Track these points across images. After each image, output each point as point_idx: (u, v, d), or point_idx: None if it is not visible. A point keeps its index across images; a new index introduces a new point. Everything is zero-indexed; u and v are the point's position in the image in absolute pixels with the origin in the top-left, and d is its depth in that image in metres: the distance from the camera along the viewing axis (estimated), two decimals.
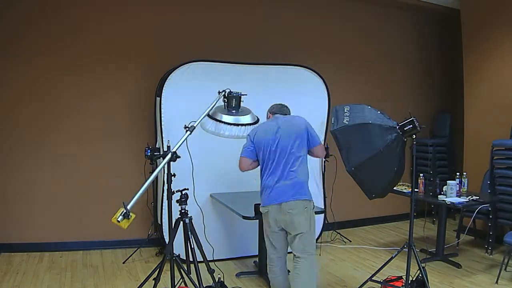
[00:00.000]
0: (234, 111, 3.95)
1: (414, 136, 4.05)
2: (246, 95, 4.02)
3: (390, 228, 7.42)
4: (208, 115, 3.83)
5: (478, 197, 5.39)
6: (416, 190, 5.37)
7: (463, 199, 5.28)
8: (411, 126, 3.95)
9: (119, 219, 2.93)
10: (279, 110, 4.27)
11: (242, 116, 3.96)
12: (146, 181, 3.22)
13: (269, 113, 4.31)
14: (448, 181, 5.39)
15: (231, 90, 3.95)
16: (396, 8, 7.72)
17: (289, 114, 4.34)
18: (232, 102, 3.94)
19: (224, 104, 3.97)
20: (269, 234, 4.01)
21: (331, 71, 6.74)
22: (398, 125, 4.00)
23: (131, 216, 2.98)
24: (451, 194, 5.32)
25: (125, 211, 2.95)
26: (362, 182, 4.16)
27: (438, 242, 5.70)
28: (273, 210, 3.87)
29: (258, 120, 4.08)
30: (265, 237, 4.10)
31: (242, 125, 3.91)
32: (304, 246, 3.87)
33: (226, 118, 3.88)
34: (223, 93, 3.95)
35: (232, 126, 3.87)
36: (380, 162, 4.03)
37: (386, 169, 4.09)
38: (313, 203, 4.02)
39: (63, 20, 5.82)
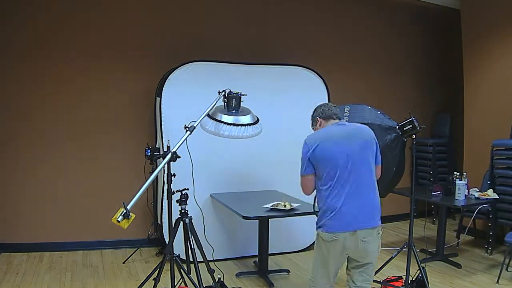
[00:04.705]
0: (234, 111, 3.95)
1: (414, 136, 4.05)
2: (246, 95, 4.02)
3: (390, 228, 7.41)
4: (208, 115, 3.84)
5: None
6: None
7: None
8: (411, 126, 3.96)
9: (119, 219, 2.93)
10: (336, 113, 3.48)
11: (242, 116, 3.96)
12: (146, 181, 3.23)
13: (319, 118, 3.48)
14: (457, 181, 5.38)
15: (231, 90, 3.95)
16: (396, 8, 7.72)
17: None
18: (232, 102, 3.94)
19: (224, 104, 3.97)
20: (330, 262, 3.27)
21: (331, 71, 6.73)
22: (397, 125, 4.01)
23: (131, 216, 2.98)
24: (459, 194, 5.33)
25: (125, 211, 2.96)
26: None
27: (438, 242, 5.70)
28: (343, 237, 3.18)
29: (258, 120, 4.08)
30: (318, 265, 3.35)
31: (242, 125, 3.90)
32: (370, 276, 3.40)
33: (226, 118, 3.88)
34: (223, 93, 3.95)
35: (232, 126, 3.87)
36: None
37: (385, 169, 4.08)
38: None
39: (63, 20, 5.82)
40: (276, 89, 5.92)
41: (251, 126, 3.98)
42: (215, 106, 3.88)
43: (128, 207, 3.00)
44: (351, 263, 3.38)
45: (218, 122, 3.86)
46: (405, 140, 4.05)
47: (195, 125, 3.62)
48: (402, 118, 4.02)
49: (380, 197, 4.27)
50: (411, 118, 3.98)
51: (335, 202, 3.16)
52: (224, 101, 3.97)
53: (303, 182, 3.38)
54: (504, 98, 6.27)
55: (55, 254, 5.79)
